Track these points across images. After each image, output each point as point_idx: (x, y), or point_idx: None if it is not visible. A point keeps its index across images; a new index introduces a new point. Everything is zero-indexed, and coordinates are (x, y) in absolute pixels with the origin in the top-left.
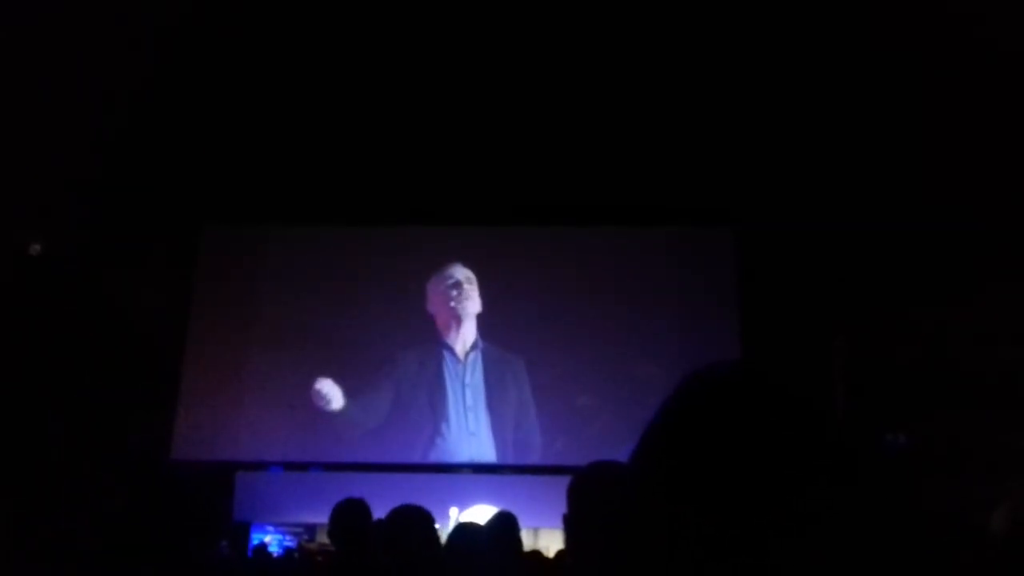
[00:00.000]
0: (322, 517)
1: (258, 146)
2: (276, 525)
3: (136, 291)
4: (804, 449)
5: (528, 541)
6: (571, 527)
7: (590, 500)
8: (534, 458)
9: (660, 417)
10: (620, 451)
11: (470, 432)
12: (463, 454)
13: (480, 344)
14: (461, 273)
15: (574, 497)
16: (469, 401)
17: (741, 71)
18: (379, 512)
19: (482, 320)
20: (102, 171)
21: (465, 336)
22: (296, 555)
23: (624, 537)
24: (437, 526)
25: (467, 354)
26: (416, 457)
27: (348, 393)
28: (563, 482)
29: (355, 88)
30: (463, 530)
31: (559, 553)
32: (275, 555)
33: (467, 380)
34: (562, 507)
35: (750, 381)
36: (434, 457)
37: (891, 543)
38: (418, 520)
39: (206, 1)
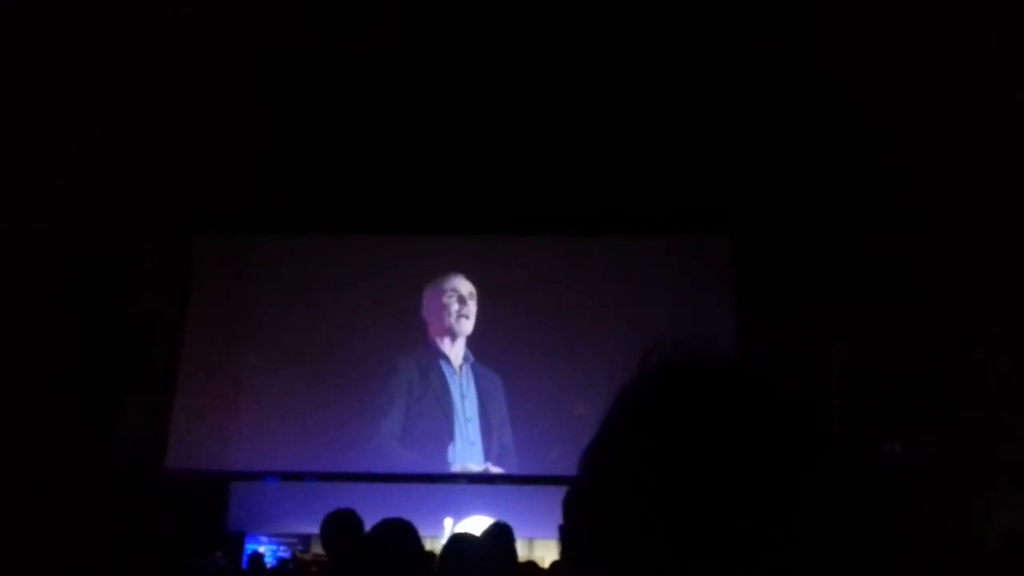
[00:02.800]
0: (317, 527)
1: (256, 154)
2: (271, 535)
3: (131, 301)
4: (782, 440)
5: (523, 552)
6: (566, 539)
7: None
8: (529, 468)
9: (612, 412)
10: None
11: (471, 442)
12: (468, 463)
13: (471, 355)
14: (465, 288)
15: (569, 507)
16: (468, 412)
17: (738, 77)
18: (373, 523)
19: (475, 327)
20: (98, 177)
21: (458, 348)
22: (291, 566)
23: (590, 541)
24: (432, 536)
25: (461, 365)
26: (429, 467)
27: (364, 402)
28: (559, 492)
29: (352, 97)
30: (458, 541)
31: (554, 564)
32: (270, 565)
33: (464, 391)
34: (557, 517)
35: (717, 371)
36: (447, 466)
37: (882, 545)
38: (401, 533)
39: (198, 10)
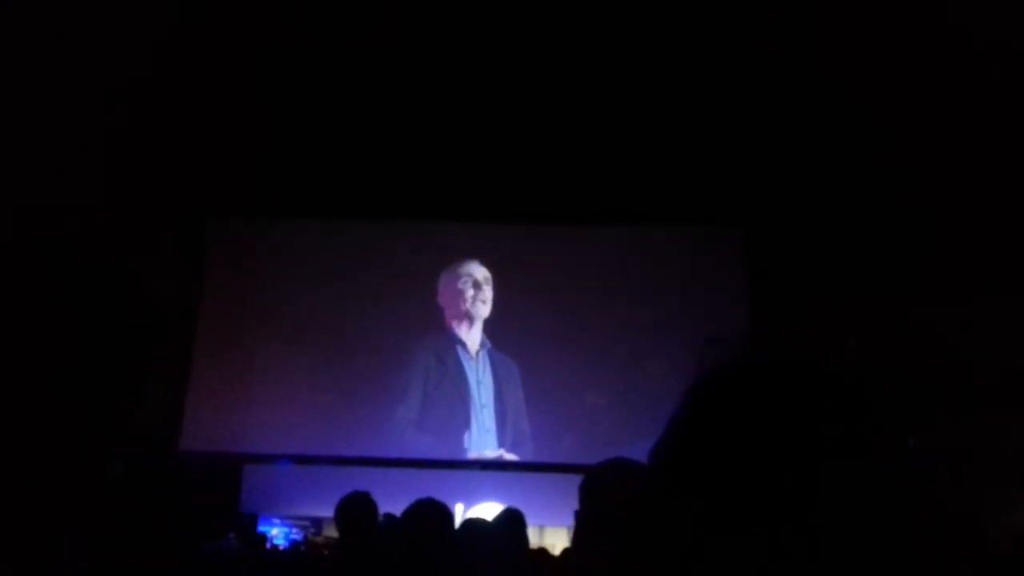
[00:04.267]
0: (329, 511)
1: (271, 138)
2: (283, 518)
3: (147, 282)
4: (824, 440)
5: (534, 539)
6: (582, 524)
7: (602, 497)
8: (541, 456)
9: (680, 412)
10: (628, 449)
11: (485, 429)
12: (482, 450)
13: (487, 342)
14: (480, 273)
15: (586, 494)
16: (484, 398)
17: (753, 72)
18: (386, 507)
19: (491, 313)
20: (112, 161)
21: (474, 334)
22: (302, 547)
23: (640, 528)
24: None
25: (477, 351)
26: (445, 452)
27: (379, 387)
28: (570, 480)
29: (369, 82)
30: (470, 526)
31: (565, 551)
32: (281, 547)
33: (480, 377)
34: (568, 505)
35: (769, 373)
36: (463, 452)
37: (908, 536)
38: (439, 515)
39: None
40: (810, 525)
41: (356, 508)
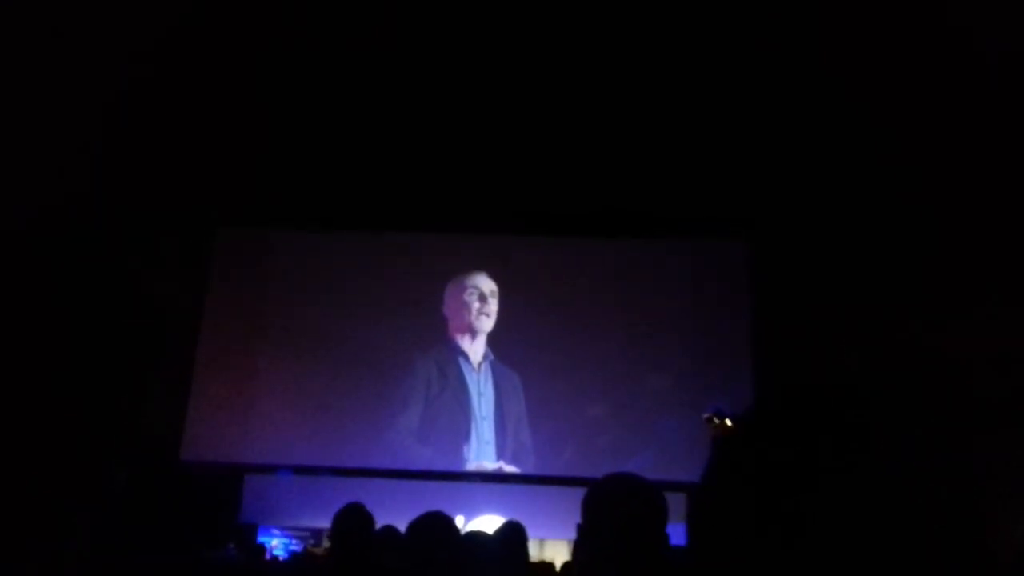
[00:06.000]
0: (329, 522)
1: (276, 147)
2: (283, 528)
3: (150, 291)
4: (830, 455)
5: (534, 552)
6: (584, 537)
7: (605, 511)
8: (542, 468)
9: (736, 437)
10: (629, 463)
11: (485, 441)
12: (482, 462)
13: (490, 354)
14: (487, 285)
15: (589, 507)
16: (484, 410)
17: (757, 84)
18: (386, 519)
19: (496, 326)
20: (116, 168)
21: (477, 346)
22: (301, 558)
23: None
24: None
25: (480, 363)
26: (445, 464)
27: (381, 398)
28: (571, 493)
29: (375, 93)
30: (471, 539)
31: (565, 565)
32: (282, 558)
33: (481, 389)
34: (569, 518)
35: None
36: (463, 464)
37: (911, 548)
38: (443, 527)
39: (218, 3)
40: (816, 537)
41: (350, 521)
